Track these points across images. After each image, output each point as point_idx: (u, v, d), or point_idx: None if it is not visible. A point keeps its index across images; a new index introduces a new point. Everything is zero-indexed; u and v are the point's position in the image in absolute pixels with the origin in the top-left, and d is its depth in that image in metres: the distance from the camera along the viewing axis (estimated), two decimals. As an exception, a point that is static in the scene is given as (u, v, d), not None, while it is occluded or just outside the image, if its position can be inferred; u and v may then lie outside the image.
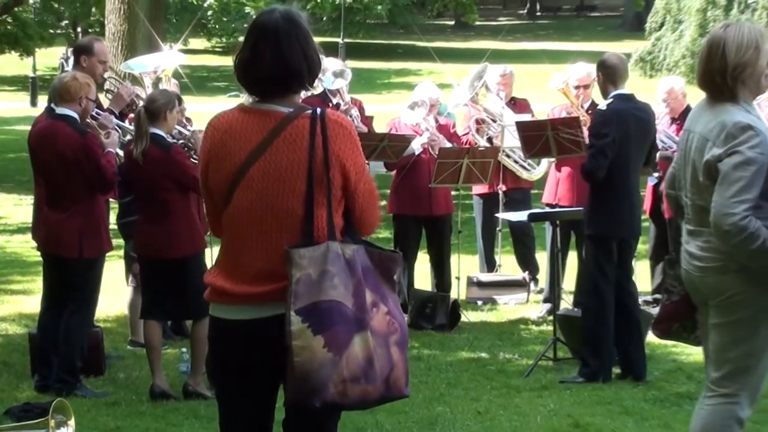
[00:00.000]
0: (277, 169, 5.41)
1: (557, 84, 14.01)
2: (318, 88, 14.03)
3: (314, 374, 5.20)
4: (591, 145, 11.26)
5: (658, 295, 13.56)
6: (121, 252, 13.03)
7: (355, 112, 14.05)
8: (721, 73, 6.69)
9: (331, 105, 13.84)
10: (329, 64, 14.28)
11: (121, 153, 11.02)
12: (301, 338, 5.19)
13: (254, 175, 5.41)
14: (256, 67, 5.53)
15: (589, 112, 13.40)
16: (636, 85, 11.70)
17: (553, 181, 14.13)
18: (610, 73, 11.26)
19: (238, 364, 5.53)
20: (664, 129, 13.50)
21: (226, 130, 5.52)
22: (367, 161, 14.27)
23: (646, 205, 14.14)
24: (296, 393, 5.27)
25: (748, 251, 6.55)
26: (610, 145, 10.96)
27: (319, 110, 5.49)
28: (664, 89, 14.17)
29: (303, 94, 14.03)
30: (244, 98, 12.36)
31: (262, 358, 5.43)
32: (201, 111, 12.27)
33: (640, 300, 12.17)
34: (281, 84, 5.52)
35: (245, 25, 54.86)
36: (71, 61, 52.15)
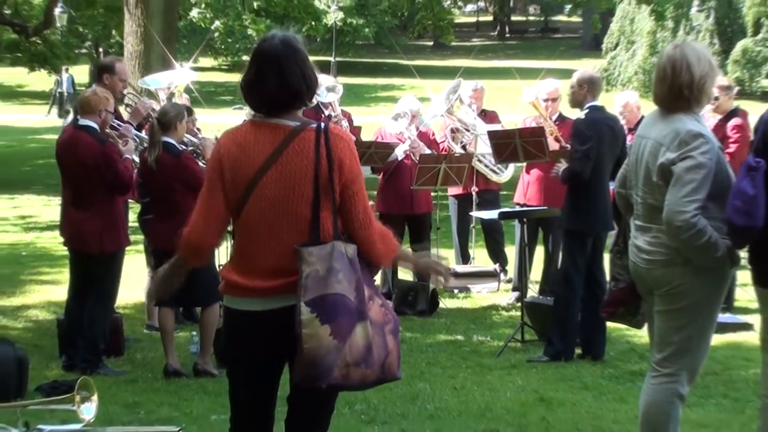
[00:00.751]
0: (287, 176, 5.41)
1: (528, 98, 14.03)
2: (312, 101, 14.05)
3: (321, 359, 5.21)
4: (576, 151, 11.21)
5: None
6: (139, 246, 13.06)
7: (345, 123, 14.07)
8: (689, 86, 6.72)
9: (323, 116, 13.89)
10: (322, 80, 14.28)
11: (137, 159, 11.07)
12: (309, 327, 5.20)
13: (267, 182, 5.41)
14: (261, 88, 5.52)
15: (557, 122, 13.44)
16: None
17: (523, 183, 14.14)
18: (592, 87, 11.30)
19: (249, 349, 5.54)
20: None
21: (240, 143, 5.50)
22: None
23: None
24: (304, 376, 5.28)
25: (695, 246, 6.58)
26: (593, 149, 11.01)
27: (322, 124, 5.51)
28: (620, 102, 14.13)
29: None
30: (246, 110, 12.43)
31: (270, 344, 5.44)
32: (209, 122, 12.30)
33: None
34: (284, 103, 5.52)
35: (248, 46, 54.79)
36: (65, 81, 51.75)
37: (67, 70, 52.49)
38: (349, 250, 5.39)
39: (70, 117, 12.37)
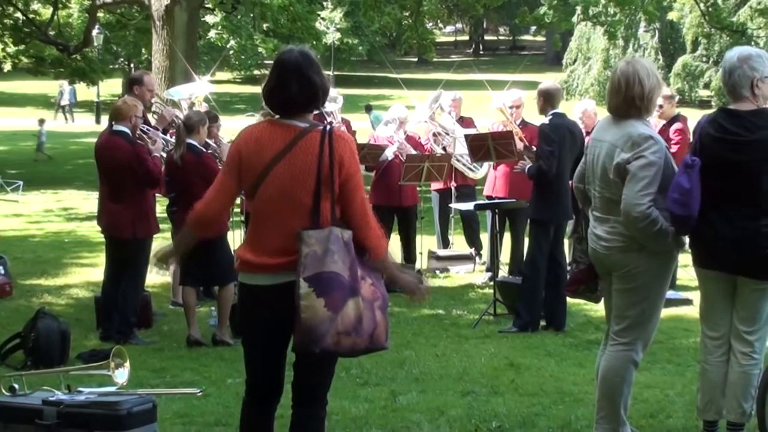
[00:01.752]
0: (293, 169, 5.43)
1: (496, 104, 14.06)
2: (324, 106, 14.13)
3: (316, 328, 5.22)
4: (542, 151, 11.28)
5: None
6: (166, 234, 13.02)
7: (343, 128, 14.06)
8: (640, 98, 6.72)
9: (326, 122, 13.87)
10: (329, 92, 14.34)
11: (164, 155, 11.17)
12: (307, 299, 5.22)
13: (276, 173, 5.44)
14: (284, 93, 5.54)
15: (520, 126, 13.40)
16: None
17: (491, 178, 14.14)
18: (549, 98, 11.43)
19: (260, 317, 5.55)
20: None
21: (258, 138, 5.54)
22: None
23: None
24: (301, 341, 5.29)
25: (649, 234, 6.59)
26: (557, 150, 11.10)
27: (328, 127, 5.55)
28: (580, 110, 14.20)
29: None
30: (257, 117, 12.38)
31: (277, 313, 5.43)
32: (225, 127, 12.28)
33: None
34: (303, 106, 5.56)
35: (258, 62, 54.76)
36: (67, 92, 51.66)
37: (69, 83, 52.65)
38: (345, 235, 5.39)
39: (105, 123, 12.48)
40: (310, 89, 5.54)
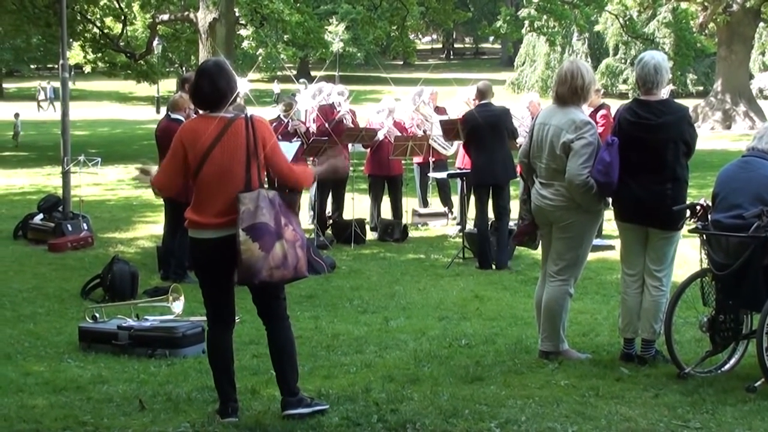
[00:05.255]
0: (228, 149, 5.49)
1: (463, 98, 14.14)
2: (329, 99, 14.07)
3: (253, 265, 5.32)
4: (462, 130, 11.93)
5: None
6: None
7: (348, 116, 14.00)
8: (582, 88, 6.82)
9: (335, 111, 13.83)
10: (337, 87, 14.49)
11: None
12: (245, 244, 5.31)
13: (215, 153, 5.49)
14: (200, 93, 5.62)
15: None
16: (509, 99, 11.82)
17: (461, 154, 14.09)
18: (480, 93, 11.87)
19: (209, 262, 5.60)
20: (527, 125, 13.50)
21: (195, 129, 5.59)
22: (353, 144, 14.24)
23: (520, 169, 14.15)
24: (243, 276, 5.39)
25: (587, 196, 6.69)
26: (469, 129, 11.65)
27: (248, 114, 5.64)
28: (527, 101, 14.26)
29: (317, 104, 13.95)
30: (279, 107, 12.19)
31: (223, 259, 5.48)
32: (256, 114, 12.28)
33: (512, 223, 12.19)
34: (216, 102, 5.58)
35: (281, 65, 54.49)
36: (49, 89, 51.73)
37: (48, 82, 52.90)
38: (270, 194, 5.48)
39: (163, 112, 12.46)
40: (219, 90, 5.56)
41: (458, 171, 13.63)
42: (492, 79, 12.94)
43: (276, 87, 51.86)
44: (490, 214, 11.72)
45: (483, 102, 11.68)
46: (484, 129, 11.37)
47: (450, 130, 13.29)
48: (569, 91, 6.84)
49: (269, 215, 5.39)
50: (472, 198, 13.41)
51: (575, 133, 6.72)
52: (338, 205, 14.18)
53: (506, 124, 11.61)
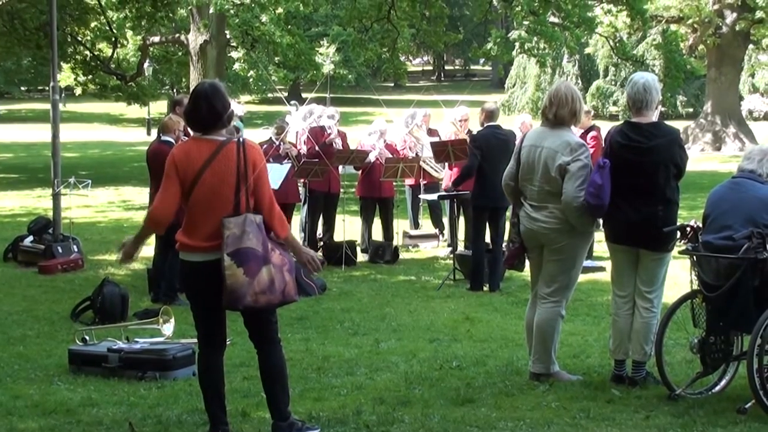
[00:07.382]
0: (218, 172, 5.48)
1: (449, 119, 14.26)
2: (320, 122, 14.10)
3: (237, 290, 5.33)
4: (470, 151, 11.68)
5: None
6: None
7: (338, 139, 14.04)
8: (579, 110, 6.92)
9: (325, 134, 13.85)
10: (327, 110, 14.49)
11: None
12: (230, 269, 5.32)
13: (206, 176, 5.48)
14: (196, 115, 5.62)
15: (468, 135, 13.40)
16: (501, 120, 11.79)
17: (449, 175, 14.12)
18: (489, 114, 11.67)
19: (197, 286, 5.61)
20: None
21: (187, 152, 5.58)
22: (344, 165, 14.26)
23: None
24: (227, 301, 5.39)
25: (582, 218, 6.75)
26: (479, 152, 11.35)
27: (241, 138, 5.62)
28: (519, 122, 14.39)
29: (308, 126, 13.94)
30: (271, 129, 12.24)
31: (210, 283, 5.47)
32: (246, 136, 12.28)
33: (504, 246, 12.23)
34: (212, 124, 5.58)
35: (271, 87, 54.61)
36: None
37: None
38: (257, 219, 5.48)
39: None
40: (215, 112, 5.56)
41: (448, 193, 13.67)
42: (483, 100, 12.97)
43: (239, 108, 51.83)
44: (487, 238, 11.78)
45: (492, 124, 11.56)
46: (495, 150, 11.26)
47: (440, 152, 13.31)
48: (569, 113, 6.87)
49: (256, 240, 5.39)
50: (461, 219, 13.53)
51: (571, 156, 6.74)
52: (329, 226, 14.18)
53: (513, 148, 11.58)
